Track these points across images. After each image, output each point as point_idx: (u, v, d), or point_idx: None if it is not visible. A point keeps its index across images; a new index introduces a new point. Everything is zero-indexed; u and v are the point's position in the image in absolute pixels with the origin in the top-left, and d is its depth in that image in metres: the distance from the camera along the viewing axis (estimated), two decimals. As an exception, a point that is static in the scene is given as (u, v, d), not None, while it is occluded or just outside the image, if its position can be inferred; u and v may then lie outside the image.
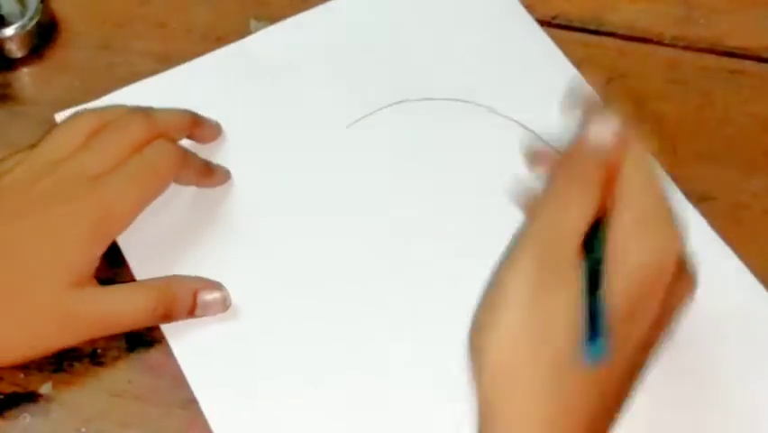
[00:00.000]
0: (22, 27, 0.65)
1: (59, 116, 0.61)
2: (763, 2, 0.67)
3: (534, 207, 0.44)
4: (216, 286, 0.54)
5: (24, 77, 0.65)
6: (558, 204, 0.43)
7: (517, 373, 0.41)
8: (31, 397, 0.54)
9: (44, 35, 0.66)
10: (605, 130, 0.43)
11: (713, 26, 0.66)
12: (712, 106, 0.64)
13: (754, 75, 0.64)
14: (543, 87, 0.60)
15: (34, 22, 0.65)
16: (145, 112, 0.56)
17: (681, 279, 0.43)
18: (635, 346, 0.42)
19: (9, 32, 0.64)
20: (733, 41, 0.65)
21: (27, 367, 0.54)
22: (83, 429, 0.53)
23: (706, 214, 0.58)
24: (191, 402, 0.53)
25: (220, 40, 0.66)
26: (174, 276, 0.55)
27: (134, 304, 0.52)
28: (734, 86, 0.64)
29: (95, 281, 0.53)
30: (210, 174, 0.59)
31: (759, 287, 0.56)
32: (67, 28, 0.67)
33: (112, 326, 0.53)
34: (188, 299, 0.53)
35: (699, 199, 0.59)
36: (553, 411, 0.40)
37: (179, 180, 0.57)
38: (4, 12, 0.65)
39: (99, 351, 0.55)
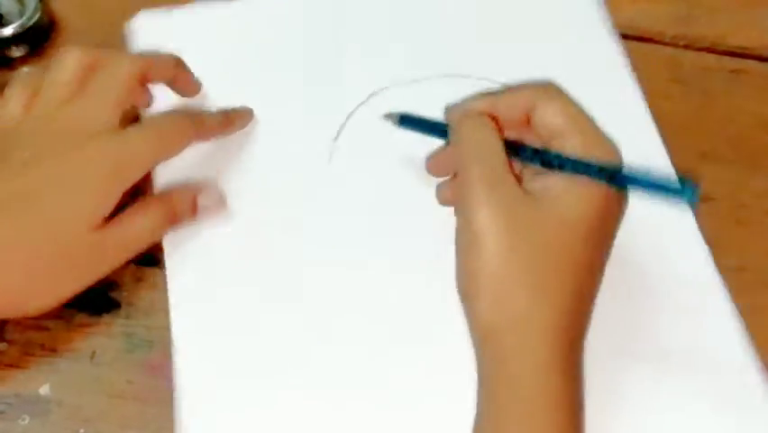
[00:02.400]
0: (21, 26, 0.65)
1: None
2: (764, 1, 0.67)
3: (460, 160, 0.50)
4: (212, 187, 0.58)
5: (23, 76, 0.65)
6: (478, 146, 0.50)
7: (510, 297, 0.47)
8: (30, 398, 0.54)
9: (43, 34, 0.66)
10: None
11: (714, 25, 0.66)
12: (713, 106, 0.63)
13: (754, 74, 0.63)
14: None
15: (33, 21, 0.65)
16: (131, 54, 0.59)
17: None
18: (598, 245, 0.49)
19: (8, 31, 0.64)
20: (734, 41, 0.65)
21: (26, 367, 0.54)
22: (82, 430, 0.53)
23: (706, 214, 0.58)
24: (190, 403, 0.53)
25: (219, 39, 0.66)
26: (170, 188, 0.58)
27: (146, 222, 0.55)
28: (735, 85, 0.64)
29: (111, 221, 0.54)
30: (230, 123, 0.60)
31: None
32: (65, 27, 0.67)
33: (133, 249, 0.54)
34: (188, 202, 0.57)
35: (700, 199, 0.58)
36: (542, 311, 0.47)
37: (203, 139, 0.58)
38: (3, 11, 0.65)
39: (98, 352, 0.55)
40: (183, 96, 0.61)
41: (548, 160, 0.49)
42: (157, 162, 0.56)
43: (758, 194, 0.60)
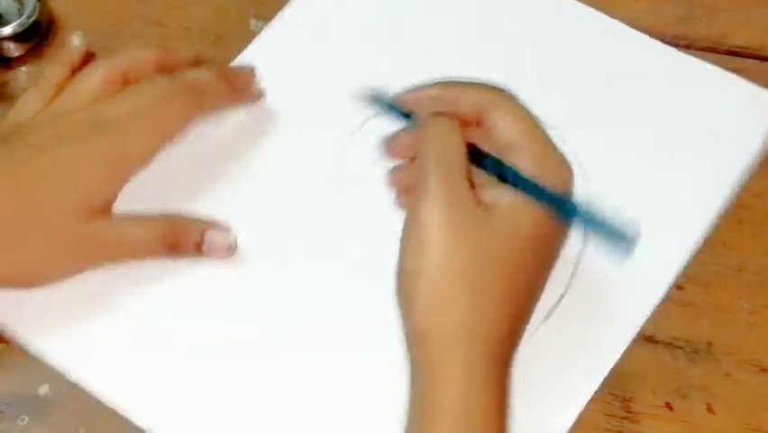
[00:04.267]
0: (20, 26, 0.64)
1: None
2: (765, 1, 0.67)
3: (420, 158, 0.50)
4: (225, 229, 0.55)
5: (22, 75, 0.65)
6: (439, 145, 0.50)
7: (447, 299, 0.47)
8: (29, 398, 0.53)
9: (42, 34, 0.66)
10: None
11: (715, 25, 0.66)
12: (714, 106, 0.63)
13: (755, 74, 0.63)
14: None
15: (32, 20, 0.65)
16: (170, 76, 0.56)
17: None
18: (539, 267, 0.50)
19: (7, 30, 0.64)
20: (735, 40, 0.64)
21: (26, 367, 0.54)
22: (82, 430, 0.53)
23: (708, 213, 0.58)
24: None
25: (219, 39, 0.66)
26: (184, 213, 0.56)
27: (144, 231, 0.54)
28: (736, 85, 0.64)
29: (110, 215, 0.54)
30: (237, 96, 0.59)
31: None
32: (65, 27, 0.67)
33: (123, 252, 0.54)
34: (196, 234, 0.54)
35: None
36: (478, 321, 0.47)
37: (206, 112, 0.57)
38: (2, 10, 0.65)
39: (98, 352, 0.55)
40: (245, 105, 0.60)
41: (504, 174, 0.49)
42: (158, 150, 0.55)
43: (759, 193, 0.60)
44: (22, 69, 0.65)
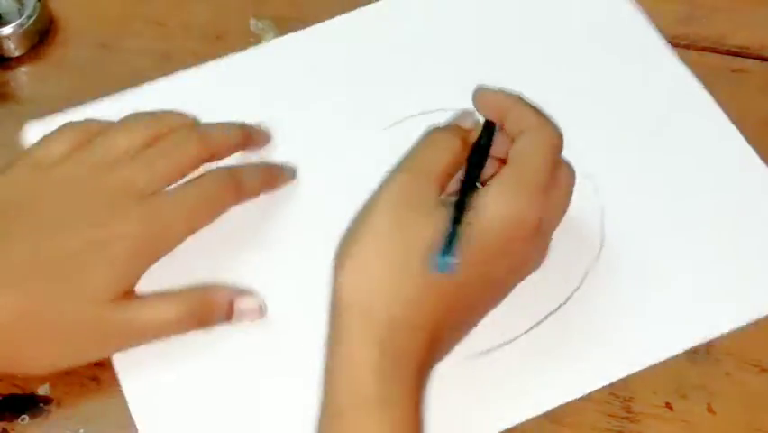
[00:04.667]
0: (20, 26, 0.64)
1: (31, 128, 0.60)
2: (765, 1, 0.67)
3: (406, 153, 0.52)
4: (251, 294, 0.55)
5: (22, 75, 0.65)
6: (427, 149, 0.52)
7: (371, 273, 0.48)
8: (29, 398, 0.53)
9: (42, 34, 0.66)
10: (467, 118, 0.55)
11: (715, 25, 0.66)
12: (714, 106, 0.63)
13: (756, 74, 0.63)
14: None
15: (32, 20, 0.65)
16: (200, 132, 0.55)
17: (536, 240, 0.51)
18: (482, 277, 0.49)
19: (7, 30, 0.64)
20: (735, 40, 0.64)
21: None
22: (81, 431, 0.53)
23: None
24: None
25: (220, 38, 0.66)
26: (209, 285, 0.54)
27: (172, 310, 0.52)
28: (736, 84, 0.64)
29: (134, 295, 0.52)
30: (274, 181, 0.59)
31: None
32: (65, 27, 0.67)
33: (150, 335, 0.52)
34: (225, 305, 0.53)
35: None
36: (396, 304, 0.47)
37: (243, 200, 0.56)
38: (2, 10, 0.65)
39: (98, 352, 0.55)
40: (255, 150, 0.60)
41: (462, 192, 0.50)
42: (190, 234, 0.54)
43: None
44: (22, 69, 0.65)
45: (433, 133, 0.53)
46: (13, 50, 0.65)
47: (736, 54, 0.64)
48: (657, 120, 0.61)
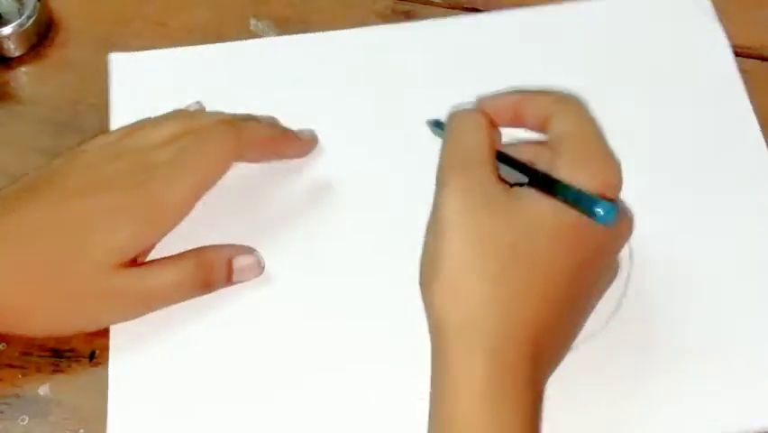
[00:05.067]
0: (20, 26, 0.64)
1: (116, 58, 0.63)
2: (765, 1, 0.67)
3: (443, 149, 0.50)
4: (249, 250, 0.55)
5: (22, 75, 0.65)
6: (462, 136, 0.50)
7: (467, 287, 0.46)
8: (29, 398, 0.53)
9: (42, 34, 0.66)
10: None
11: (716, 25, 0.66)
12: (715, 106, 0.63)
13: (757, 74, 0.63)
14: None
15: (32, 20, 0.64)
16: (235, 126, 0.55)
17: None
18: (572, 272, 0.47)
19: (7, 30, 0.64)
20: (735, 40, 0.64)
21: (25, 368, 0.54)
22: (81, 431, 0.53)
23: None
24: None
25: (220, 39, 0.66)
26: (206, 246, 0.55)
27: (175, 277, 0.53)
28: (736, 85, 0.64)
29: (142, 264, 0.53)
30: (287, 145, 0.58)
31: None
32: (65, 26, 0.67)
33: (155, 301, 0.53)
34: (224, 267, 0.54)
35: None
36: (497, 316, 0.45)
37: (250, 160, 0.57)
38: (2, 10, 0.65)
39: (97, 352, 0.55)
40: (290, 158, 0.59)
41: (534, 178, 0.48)
42: (197, 200, 0.54)
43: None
44: (22, 69, 0.65)
45: (457, 119, 0.51)
46: (13, 50, 0.65)
47: (736, 54, 0.64)
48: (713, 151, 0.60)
